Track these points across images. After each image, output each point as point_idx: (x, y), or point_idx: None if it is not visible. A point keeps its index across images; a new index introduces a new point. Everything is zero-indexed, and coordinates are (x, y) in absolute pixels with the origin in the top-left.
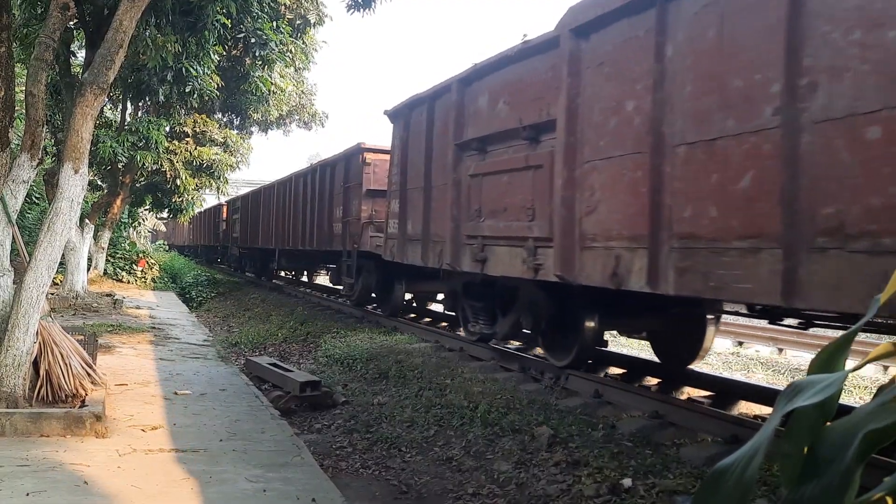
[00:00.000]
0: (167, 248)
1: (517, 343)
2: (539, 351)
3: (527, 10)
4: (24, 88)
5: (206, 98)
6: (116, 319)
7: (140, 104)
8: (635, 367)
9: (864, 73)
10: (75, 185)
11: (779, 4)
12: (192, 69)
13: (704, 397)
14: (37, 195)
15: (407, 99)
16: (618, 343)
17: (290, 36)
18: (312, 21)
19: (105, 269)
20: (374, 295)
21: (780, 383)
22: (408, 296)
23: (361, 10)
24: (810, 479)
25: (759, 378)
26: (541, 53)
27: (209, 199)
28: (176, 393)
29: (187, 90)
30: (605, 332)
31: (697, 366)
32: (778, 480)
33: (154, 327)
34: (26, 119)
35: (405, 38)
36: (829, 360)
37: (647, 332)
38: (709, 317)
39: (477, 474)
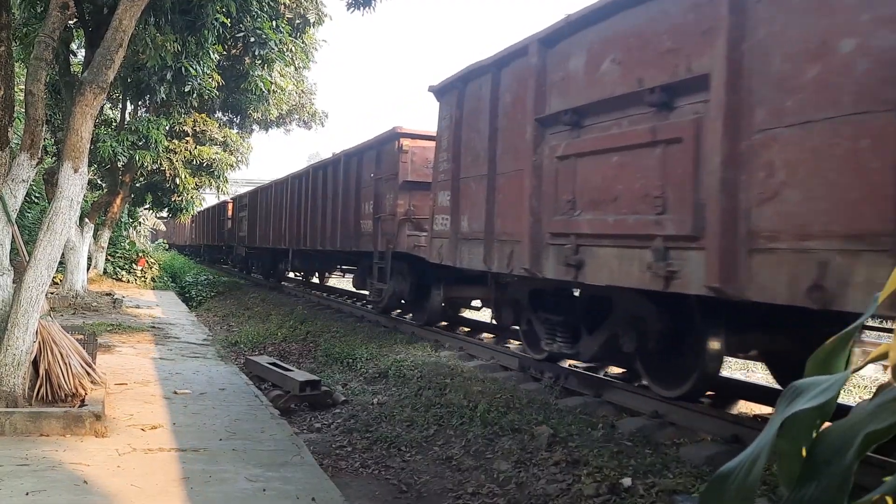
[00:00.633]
0: (167, 247)
1: (618, 370)
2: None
3: (527, 9)
4: (23, 87)
5: (206, 97)
6: (116, 319)
7: (140, 103)
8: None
9: None
10: (75, 184)
11: None
12: (191, 68)
13: (704, 397)
14: (36, 194)
15: (459, 71)
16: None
17: (290, 35)
18: (312, 20)
19: (105, 269)
20: (403, 301)
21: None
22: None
23: (361, 8)
24: (810, 480)
25: (758, 378)
26: None
27: (209, 199)
28: (175, 392)
29: (187, 89)
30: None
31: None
32: (777, 480)
33: (154, 326)
34: (26, 118)
35: (405, 37)
36: (826, 359)
37: (763, 351)
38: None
39: (476, 474)
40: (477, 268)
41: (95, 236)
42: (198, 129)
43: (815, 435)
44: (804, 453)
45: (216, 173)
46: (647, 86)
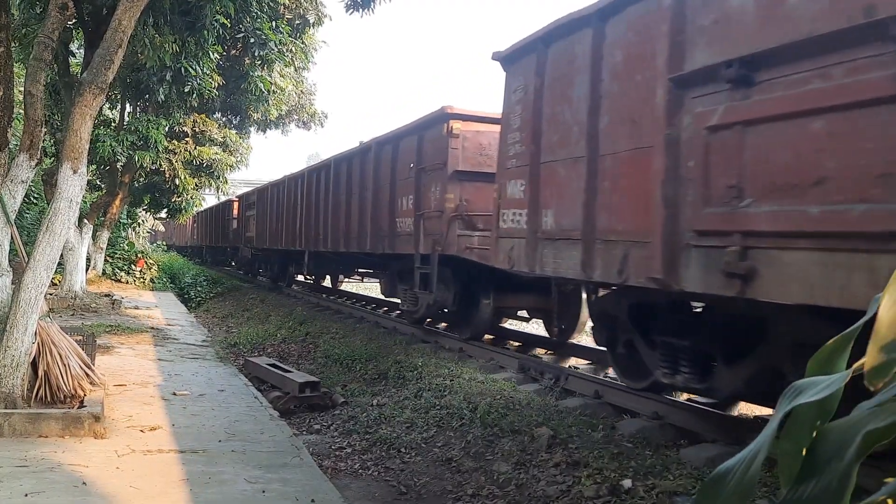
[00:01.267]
0: (165, 248)
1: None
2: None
3: (527, 10)
4: (22, 88)
5: (206, 98)
6: (115, 320)
7: (139, 104)
8: None
9: None
10: (74, 184)
11: None
12: (190, 69)
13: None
14: (35, 195)
15: (539, 29)
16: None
17: (290, 36)
18: (312, 21)
19: (104, 270)
20: (445, 311)
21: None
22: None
23: (360, 10)
24: (809, 479)
25: None
26: None
27: (209, 199)
28: (174, 393)
29: (186, 90)
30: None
31: None
32: (777, 480)
33: (153, 328)
34: (25, 119)
35: (405, 37)
36: (827, 360)
37: None
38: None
39: (476, 475)
40: (569, 275)
41: (94, 237)
42: (197, 130)
43: (815, 434)
44: (804, 453)
45: (216, 174)
46: (882, 15)
